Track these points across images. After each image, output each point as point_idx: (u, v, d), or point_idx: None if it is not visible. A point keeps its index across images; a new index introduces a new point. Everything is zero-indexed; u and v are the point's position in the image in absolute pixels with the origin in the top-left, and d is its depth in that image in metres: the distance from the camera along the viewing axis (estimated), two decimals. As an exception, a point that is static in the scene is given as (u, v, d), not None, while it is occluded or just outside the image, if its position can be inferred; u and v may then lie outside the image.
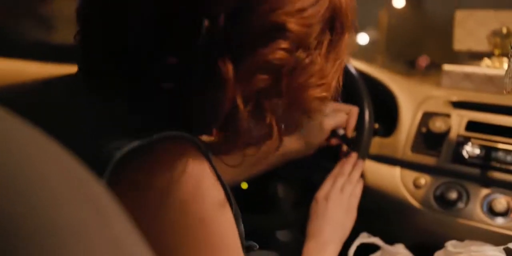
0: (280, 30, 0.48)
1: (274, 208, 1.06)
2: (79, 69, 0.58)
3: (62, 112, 0.54)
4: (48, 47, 1.54)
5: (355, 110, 0.99)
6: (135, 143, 0.44)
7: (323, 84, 0.55)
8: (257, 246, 0.63)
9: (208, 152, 0.51)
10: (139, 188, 0.44)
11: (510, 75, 0.91)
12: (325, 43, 0.54)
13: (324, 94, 0.56)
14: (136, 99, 0.51)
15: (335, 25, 0.55)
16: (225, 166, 0.55)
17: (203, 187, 0.47)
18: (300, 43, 0.50)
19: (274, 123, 0.52)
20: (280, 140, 0.55)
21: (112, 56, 0.51)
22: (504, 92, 0.90)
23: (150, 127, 0.46)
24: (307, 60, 0.52)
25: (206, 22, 0.45)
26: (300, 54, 0.51)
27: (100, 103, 0.51)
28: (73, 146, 0.43)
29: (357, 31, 0.60)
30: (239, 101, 0.48)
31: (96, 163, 0.43)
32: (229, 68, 0.46)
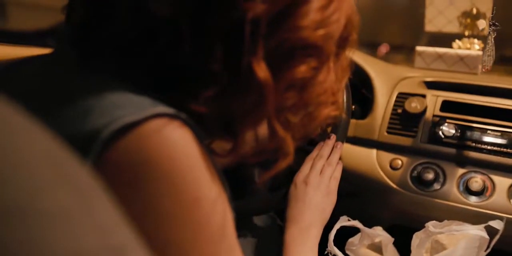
0: (312, 48, 0.48)
1: (251, 193, 1.03)
2: (61, 48, 0.53)
3: (46, 90, 0.49)
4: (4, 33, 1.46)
5: None
6: (125, 119, 0.40)
7: (335, 101, 0.56)
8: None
9: (202, 134, 0.47)
10: (129, 167, 0.40)
11: (488, 53, 0.90)
12: (332, 58, 0.52)
13: (336, 112, 0.57)
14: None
15: (342, 41, 0.54)
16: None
17: (197, 166, 0.44)
18: (324, 60, 0.50)
19: (288, 139, 0.52)
20: (291, 155, 0.54)
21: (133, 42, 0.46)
22: (483, 69, 0.90)
23: (143, 104, 0.42)
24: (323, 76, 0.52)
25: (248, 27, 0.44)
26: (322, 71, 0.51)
27: (93, 84, 0.47)
28: (59, 125, 0.38)
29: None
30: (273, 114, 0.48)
31: (81, 142, 0.39)
32: (269, 80, 0.46)
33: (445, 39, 1.52)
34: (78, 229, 0.21)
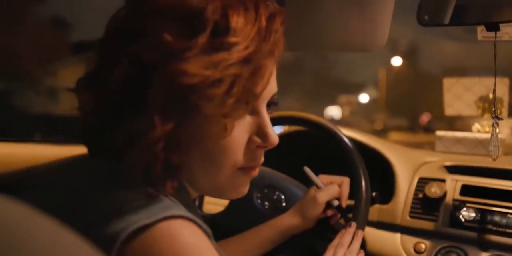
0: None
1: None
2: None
3: (75, 195, 0.61)
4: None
5: (346, 181, 1.04)
6: (140, 223, 0.49)
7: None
8: None
9: (209, 231, 0.56)
10: None
11: (494, 143, 0.96)
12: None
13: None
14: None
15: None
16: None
17: None
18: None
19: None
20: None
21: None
22: (490, 159, 0.96)
23: (155, 209, 0.52)
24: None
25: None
26: None
27: (104, 184, 0.58)
28: (85, 228, 0.48)
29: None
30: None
31: (105, 242, 0.48)
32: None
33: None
34: None
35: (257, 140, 0.61)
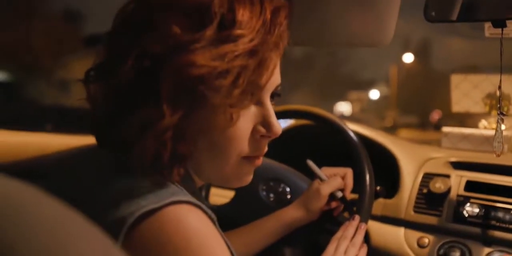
0: None
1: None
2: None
3: (84, 182, 0.63)
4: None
5: (350, 172, 1.06)
6: (147, 207, 0.51)
7: None
8: None
9: (214, 217, 0.58)
10: (151, 247, 0.51)
11: (499, 140, 0.97)
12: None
13: None
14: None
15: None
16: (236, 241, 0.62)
17: (210, 244, 0.53)
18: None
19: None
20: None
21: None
22: (495, 155, 0.96)
23: (163, 194, 0.54)
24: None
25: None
26: None
27: (112, 172, 0.60)
28: (94, 214, 0.50)
29: None
30: None
31: (113, 225, 0.50)
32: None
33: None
34: None
35: (262, 130, 0.63)
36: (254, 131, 0.63)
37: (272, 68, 0.60)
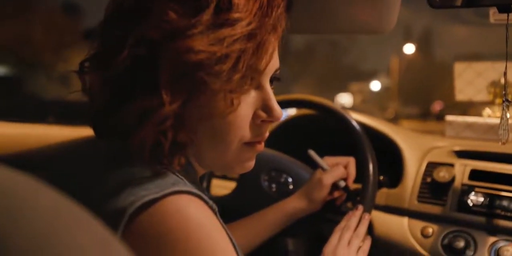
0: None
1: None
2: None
3: (84, 173, 0.62)
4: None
5: (352, 161, 1.05)
6: (148, 197, 0.50)
7: None
8: None
9: (215, 207, 0.57)
10: (151, 237, 0.50)
11: (504, 127, 0.96)
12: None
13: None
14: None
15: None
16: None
17: (210, 235, 0.52)
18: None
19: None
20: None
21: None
22: (500, 144, 0.95)
23: (163, 184, 0.53)
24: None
25: None
26: None
27: (113, 162, 0.59)
28: (94, 204, 0.49)
29: None
30: None
31: (112, 217, 0.49)
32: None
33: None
34: None
35: (262, 114, 0.62)
36: (255, 116, 0.62)
37: (271, 51, 0.59)
